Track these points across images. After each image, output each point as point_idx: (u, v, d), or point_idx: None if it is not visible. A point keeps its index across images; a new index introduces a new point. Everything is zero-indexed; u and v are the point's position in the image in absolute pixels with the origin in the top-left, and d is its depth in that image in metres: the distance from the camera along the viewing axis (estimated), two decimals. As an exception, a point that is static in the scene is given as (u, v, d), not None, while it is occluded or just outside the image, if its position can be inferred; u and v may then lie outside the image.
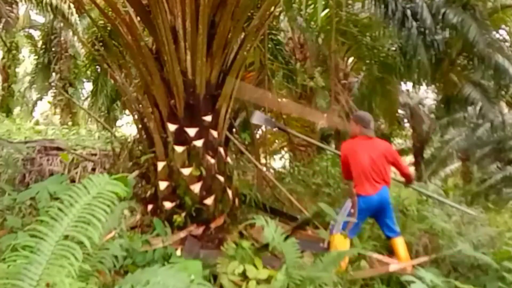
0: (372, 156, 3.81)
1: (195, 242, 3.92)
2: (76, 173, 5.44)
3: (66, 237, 2.09)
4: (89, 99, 11.82)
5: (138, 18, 4.71)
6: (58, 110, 16.01)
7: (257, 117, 4.29)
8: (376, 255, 3.92)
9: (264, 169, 6.38)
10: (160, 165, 4.30)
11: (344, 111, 7.32)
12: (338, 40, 8.01)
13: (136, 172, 4.58)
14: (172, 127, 4.29)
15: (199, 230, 4.10)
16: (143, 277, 2.26)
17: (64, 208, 2.17)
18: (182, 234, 3.98)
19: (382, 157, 3.86)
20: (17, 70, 16.51)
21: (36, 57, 15.65)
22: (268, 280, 3.11)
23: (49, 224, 2.12)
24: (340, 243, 3.61)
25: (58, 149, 5.87)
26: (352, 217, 3.67)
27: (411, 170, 18.18)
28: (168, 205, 4.18)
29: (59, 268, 1.97)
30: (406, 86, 12.21)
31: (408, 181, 4.36)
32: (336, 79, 9.58)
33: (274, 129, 4.41)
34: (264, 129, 8.09)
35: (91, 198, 2.22)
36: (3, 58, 15.65)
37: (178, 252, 3.62)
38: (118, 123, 14.01)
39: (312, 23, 8.87)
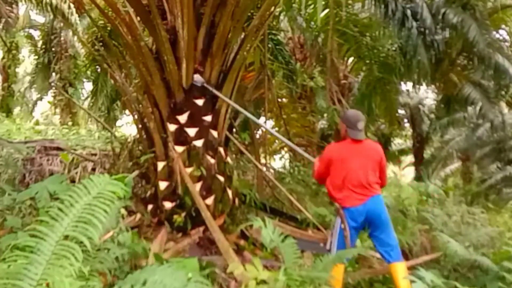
0: (361, 162, 3.33)
1: (197, 250, 3.90)
2: (76, 173, 5.44)
3: (66, 237, 2.09)
4: (89, 99, 11.81)
5: (138, 18, 4.71)
6: (58, 110, 16.00)
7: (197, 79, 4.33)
8: (377, 255, 3.90)
9: (264, 169, 6.38)
10: (160, 165, 4.30)
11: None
12: (341, 39, 7.99)
13: (136, 172, 4.58)
14: (172, 127, 4.30)
15: (199, 231, 4.10)
16: (141, 277, 2.26)
17: (64, 208, 2.18)
18: (186, 241, 3.97)
19: (375, 163, 3.39)
20: (17, 70, 16.48)
21: (36, 57, 15.62)
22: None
23: (49, 224, 2.12)
24: (335, 272, 3.14)
25: (58, 149, 5.87)
26: (345, 233, 3.24)
27: (411, 170, 18.25)
28: (168, 205, 4.19)
29: (59, 268, 1.97)
30: (406, 86, 12.18)
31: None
32: (335, 79, 9.58)
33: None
34: (263, 129, 8.10)
35: (91, 198, 2.22)
36: (3, 58, 15.62)
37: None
38: (118, 123, 14.01)
39: (312, 23, 8.86)
